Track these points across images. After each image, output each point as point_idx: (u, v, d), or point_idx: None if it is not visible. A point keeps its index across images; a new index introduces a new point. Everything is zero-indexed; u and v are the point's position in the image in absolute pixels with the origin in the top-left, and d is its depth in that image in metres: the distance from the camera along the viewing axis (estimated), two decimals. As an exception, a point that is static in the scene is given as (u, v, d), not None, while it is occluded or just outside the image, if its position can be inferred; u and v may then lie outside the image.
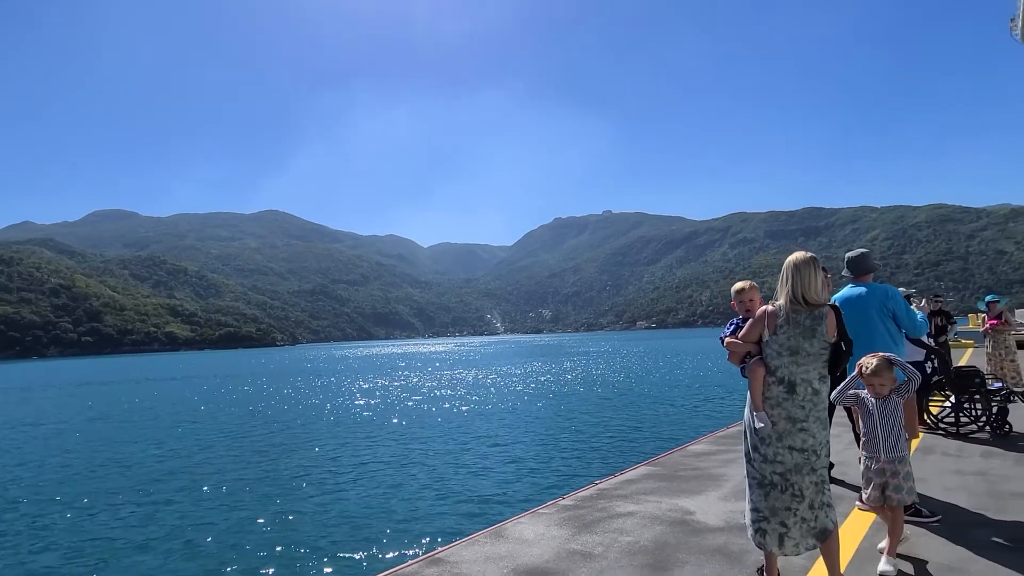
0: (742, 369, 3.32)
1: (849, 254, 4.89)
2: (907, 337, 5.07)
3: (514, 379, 34.69)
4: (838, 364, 3.17)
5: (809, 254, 3.18)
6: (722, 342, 3.39)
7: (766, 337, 3.17)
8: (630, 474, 6.20)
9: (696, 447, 7.35)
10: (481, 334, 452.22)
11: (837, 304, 3.42)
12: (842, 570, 3.16)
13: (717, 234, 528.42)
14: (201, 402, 28.16)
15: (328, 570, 6.71)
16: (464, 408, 21.20)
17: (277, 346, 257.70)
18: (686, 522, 4.52)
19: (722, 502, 4.98)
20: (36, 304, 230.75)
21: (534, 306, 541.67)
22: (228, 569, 6.84)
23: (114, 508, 9.69)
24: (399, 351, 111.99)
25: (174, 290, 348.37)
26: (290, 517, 8.68)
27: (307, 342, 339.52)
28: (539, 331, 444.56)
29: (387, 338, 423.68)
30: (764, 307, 3.22)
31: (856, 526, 4.18)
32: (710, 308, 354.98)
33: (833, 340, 3.11)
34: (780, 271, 3.23)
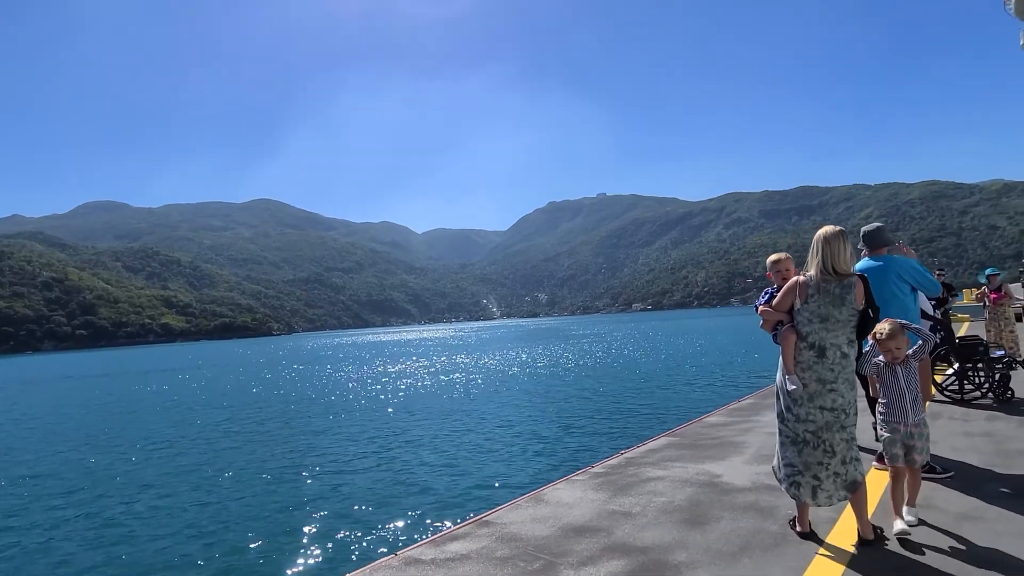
0: (774, 336, 3.58)
1: (865, 228, 5.01)
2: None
3: (519, 362, 35.05)
4: (865, 330, 3.45)
5: (838, 228, 3.44)
6: (757, 310, 3.64)
7: (798, 305, 3.43)
8: (652, 444, 6.48)
9: (712, 419, 7.64)
10: (477, 319, 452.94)
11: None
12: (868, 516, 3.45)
13: (712, 215, 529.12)
14: (219, 391, 28.39)
15: (385, 532, 7.18)
16: (477, 391, 21.56)
17: (273, 335, 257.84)
18: (715, 484, 4.81)
19: (746, 465, 5.27)
20: (29, 298, 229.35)
21: (530, 290, 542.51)
22: (304, 541, 7.23)
23: (136, 497, 9.89)
24: (399, 337, 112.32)
25: (168, 281, 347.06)
26: (337, 493, 9.12)
27: (303, 331, 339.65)
28: (535, 315, 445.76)
29: (383, 325, 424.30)
30: (796, 277, 3.47)
31: (875, 484, 4.46)
32: (706, 289, 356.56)
33: (861, 307, 3.37)
34: (809, 244, 3.49)
